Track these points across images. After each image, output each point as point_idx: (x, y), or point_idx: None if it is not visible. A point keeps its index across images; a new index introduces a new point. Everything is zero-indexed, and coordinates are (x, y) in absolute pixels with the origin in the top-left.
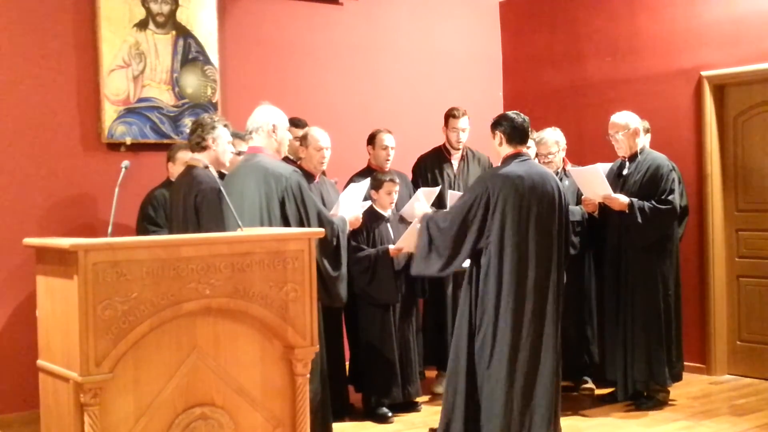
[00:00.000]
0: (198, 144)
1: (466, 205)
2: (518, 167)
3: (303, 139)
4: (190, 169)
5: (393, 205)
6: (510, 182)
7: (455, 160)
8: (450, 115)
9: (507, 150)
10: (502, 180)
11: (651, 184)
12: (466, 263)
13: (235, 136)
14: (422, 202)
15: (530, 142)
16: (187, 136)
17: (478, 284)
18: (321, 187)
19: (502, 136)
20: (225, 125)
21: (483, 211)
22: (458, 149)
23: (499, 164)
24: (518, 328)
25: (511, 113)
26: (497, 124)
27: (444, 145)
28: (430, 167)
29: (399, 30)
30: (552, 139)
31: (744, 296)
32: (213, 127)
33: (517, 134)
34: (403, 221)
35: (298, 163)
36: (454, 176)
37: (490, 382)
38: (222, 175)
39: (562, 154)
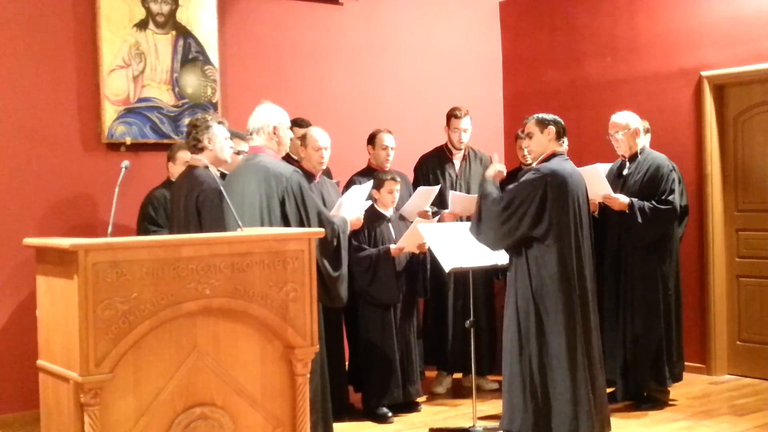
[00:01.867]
0: (194, 146)
1: (524, 195)
2: (565, 165)
3: (302, 139)
4: (190, 169)
5: (394, 204)
6: (564, 179)
7: (457, 160)
8: (452, 115)
9: (555, 146)
10: (558, 177)
11: (651, 184)
12: (469, 262)
13: (235, 135)
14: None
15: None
16: (183, 138)
17: (529, 280)
18: (321, 187)
19: (555, 132)
20: (220, 122)
21: (539, 204)
22: (460, 149)
23: (540, 160)
24: (573, 326)
25: (549, 115)
26: (545, 121)
27: (446, 144)
28: (431, 167)
29: (399, 30)
30: None
31: (744, 296)
32: (207, 127)
33: (563, 133)
34: (404, 220)
35: (299, 162)
36: (456, 176)
37: (554, 378)
38: (223, 174)
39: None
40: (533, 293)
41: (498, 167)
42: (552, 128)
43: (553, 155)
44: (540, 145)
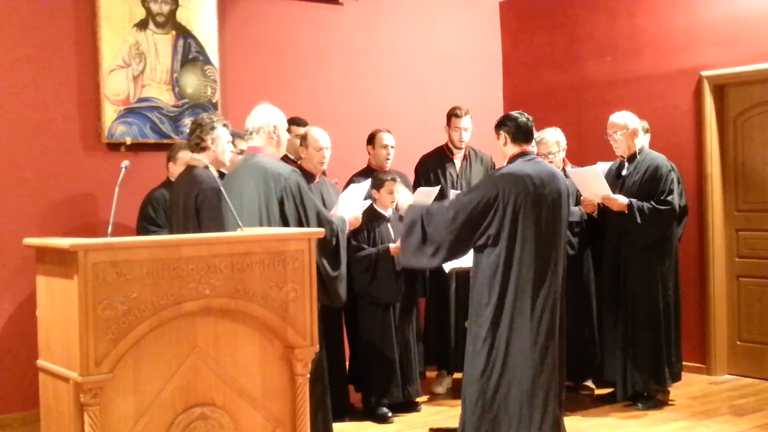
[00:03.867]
0: (197, 145)
1: (474, 201)
2: (526, 166)
3: (303, 139)
4: (190, 169)
5: (394, 204)
6: (519, 181)
7: (458, 160)
8: (452, 115)
9: (512, 149)
10: (512, 179)
11: (650, 185)
12: (469, 263)
13: (236, 135)
14: (405, 194)
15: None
16: (187, 136)
17: (486, 285)
18: (321, 187)
19: (507, 135)
20: (224, 125)
21: (492, 210)
22: (461, 149)
23: (505, 163)
24: (533, 328)
25: (514, 113)
26: (501, 124)
27: (446, 144)
28: (432, 167)
29: (399, 30)
30: (552, 139)
31: (744, 296)
32: (212, 128)
33: (521, 133)
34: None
35: (299, 163)
36: (457, 176)
37: (507, 384)
38: (222, 175)
39: (562, 154)
40: (482, 298)
41: (404, 197)
42: (503, 133)
43: (517, 156)
44: (500, 153)
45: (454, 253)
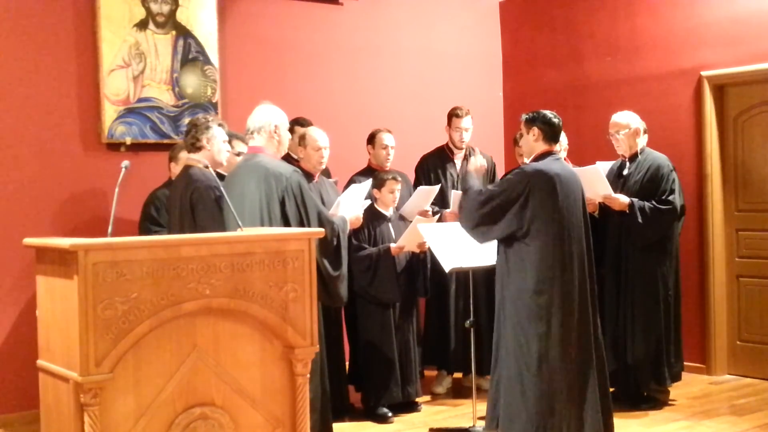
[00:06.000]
0: (193, 144)
1: (505, 192)
2: (554, 165)
3: (301, 139)
4: (187, 169)
5: (395, 204)
6: (549, 179)
7: (458, 160)
8: (453, 115)
9: (542, 147)
10: (542, 176)
11: (651, 184)
12: (469, 262)
13: (233, 136)
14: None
15: None
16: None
17: (517, 282)
18: (320, 186)
19: (540, 132)
20: (220, 125)
21: (522, 203)
22: (461, 148)
23: (531, 159)
24: (567, 328)
25: (548, 113)
26: (534, 120)
27: (447, 144)
28: (433, 167)
29: (399, 30)
30: None
31: (744, 296)
32: (207, 128)
33: (553, 133)
34: (404, 220)
35: (297, 162)
36: (458, 176)
37: (542, 383)
38: (221, 176)
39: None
40: (511, 294)
41: (479, 160)
42: (537, 129)
43: (545, 154)
44: (527, 145)
45: (478, 235)
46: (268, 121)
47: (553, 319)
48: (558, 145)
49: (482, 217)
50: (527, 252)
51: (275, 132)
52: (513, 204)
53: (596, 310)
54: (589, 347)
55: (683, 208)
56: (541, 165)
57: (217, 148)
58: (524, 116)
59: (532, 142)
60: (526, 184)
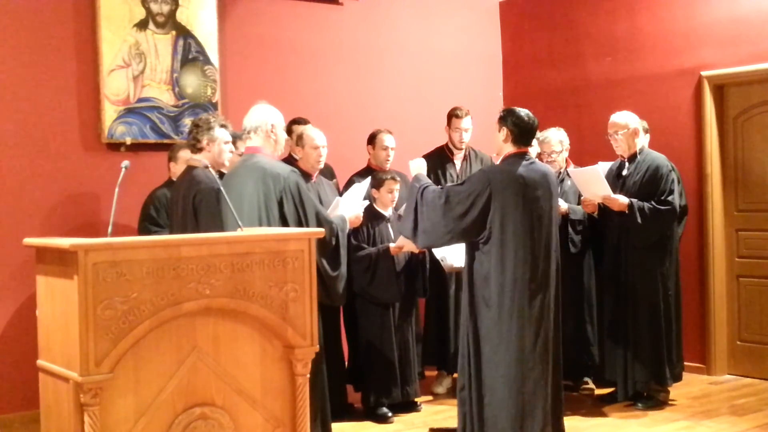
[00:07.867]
0: (194, 145)
1: (466, 193)
2: (519, 167)
3: (299, 139)
4: (189, 169)
5: (394, 204)
6: (511, 180)
7: (458, 160)
8: (453, 115)
9: (510, 148)
10: (503, 177)
11: (650, 185)
12: (461, 262)
13: (237, 137)
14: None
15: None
16: (186, 136)
17: (480, 287)
18: (318, 186)
19: (509, 134)
20: (223, 125)
21: (482, 206)
22: (461, 149)
23: (500, 160)
24: (526, 330)
25: (521, 111)
26: (505, 119)
27: (447, 144)
28: (432, 167)
29: (399, 30)
30: (555, 138)
31: (744, 296)
32: (209, 128)
33: (524, 135)
34: None
35: (296, 162)
36: (457, 176)
37: (502, 386)
38: (221, 175)
39: (565, 154)
40: (474, 297)
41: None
42: (506, 130)
43: (514, 156)
44: (497, 145)
45: (439, 239)
46: (264, 120)
47: (516, 321)
48: (531, 146)
49: (442, 221)
50: (488, 257)
51: (272, 131)
52: (473, 206)
53: (560, 311)
54: (548, 345)
55: (685, 209)
56: (504, 166)
57: (218, 150)
58: (500, 112)
59: (501, 141)
60: (487, 185)
